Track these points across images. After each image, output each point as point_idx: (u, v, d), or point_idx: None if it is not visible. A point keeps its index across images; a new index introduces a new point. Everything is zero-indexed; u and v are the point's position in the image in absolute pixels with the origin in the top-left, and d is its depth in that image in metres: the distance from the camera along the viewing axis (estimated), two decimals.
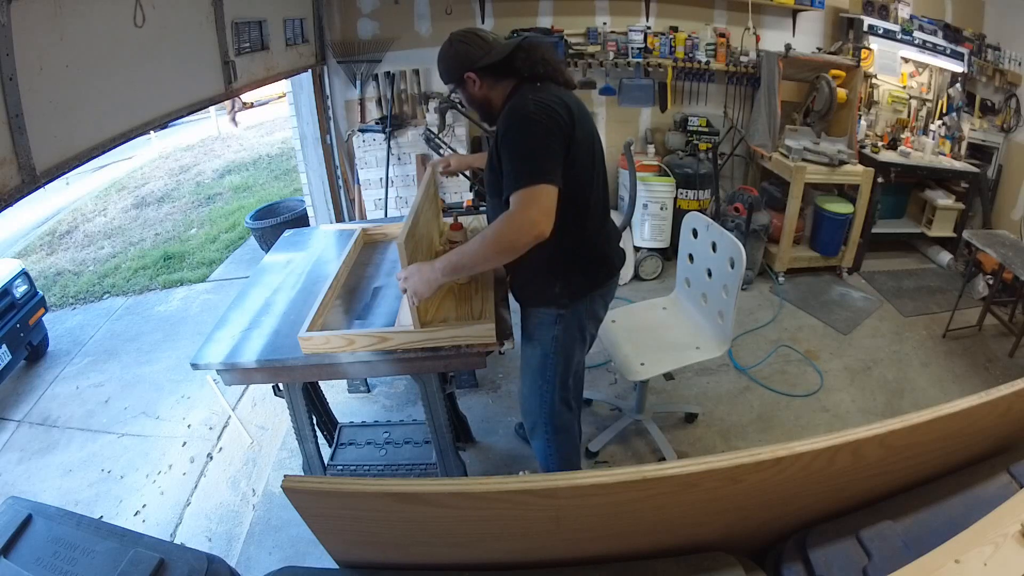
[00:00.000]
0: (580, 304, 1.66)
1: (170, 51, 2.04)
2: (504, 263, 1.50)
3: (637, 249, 3.72)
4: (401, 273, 1.48)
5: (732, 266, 1.96)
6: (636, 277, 3.69)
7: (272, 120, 10.07)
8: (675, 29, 3.66)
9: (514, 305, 1.76)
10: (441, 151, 3.31)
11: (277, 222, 4.31)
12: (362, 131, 3.61)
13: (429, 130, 3.32)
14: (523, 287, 1.70)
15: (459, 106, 3.17)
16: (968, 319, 3.14)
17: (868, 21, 3.67)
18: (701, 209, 3.59)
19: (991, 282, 3.16)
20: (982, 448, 1.22)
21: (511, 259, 1.41)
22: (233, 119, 9.66)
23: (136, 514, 2.30)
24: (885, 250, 3.91)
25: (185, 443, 2.66)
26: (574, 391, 1.83)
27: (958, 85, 3.81)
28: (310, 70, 3.42)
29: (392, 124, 3.55)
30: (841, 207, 3.52)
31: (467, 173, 3.38)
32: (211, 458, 2.57)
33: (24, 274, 3.31)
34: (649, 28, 3.65)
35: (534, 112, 1.39)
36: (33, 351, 3.34)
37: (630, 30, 3.63)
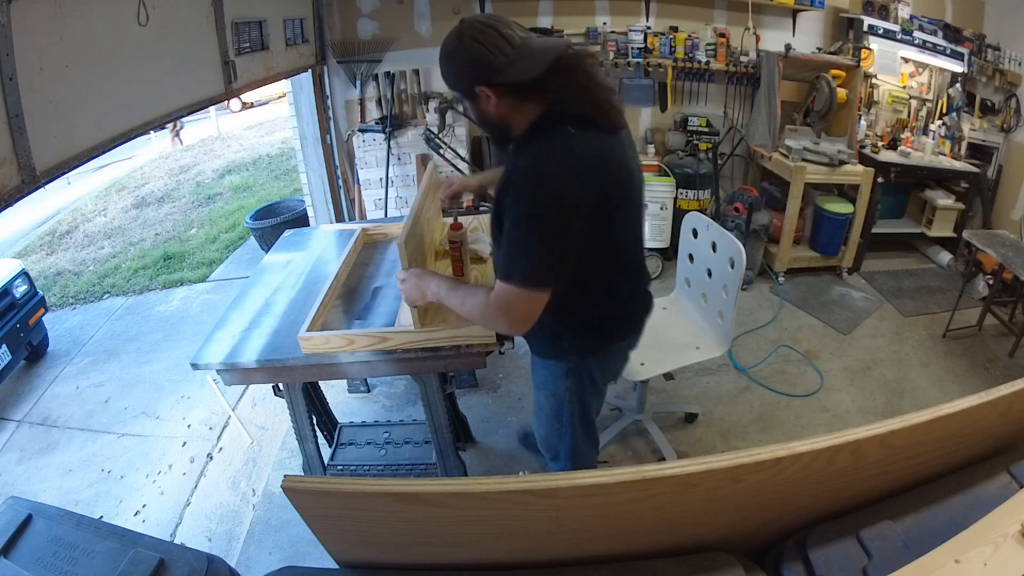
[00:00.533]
0: (591, 359, 1.47)
1: (170, 51, 2.04)
2: None
3: None
4: (401, 273, 1.47)
5: (732, 266, 1.95)
6: None
7: (272, 120, 10.10)
8: (675, 29, 3.66)
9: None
10: (441, 151, 3.31)
11: (277, 222, 4.31)
12: (362, 131, 3.61)
13: (429, 130, 3.32)
14: (530, 338, 1.49)
15: (465, 114, 3.16)
16: (968, 319, 3.14)
17: (868, 21, 3.67)
18: (701, 209, 3.59)
19: (991, 282, 3.16)
20: (982, 448, 1.22)
21: None
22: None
23: (136, 514, 2.30)
24: (885, 250, 3.91)
25: (185, 443, 2.66)
26: (592, 429, 1.66)
27: (958, 85, 3.81)
28: (310, 70, 3.42)
29: (392, 124, 3.55)
30: (841, 207, 3.52)
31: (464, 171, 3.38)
32: (211, 458, 2.57)
33: (24, 274, 3.31)
34: (649, 28, 3.65)
35: (560, 191, 1.11)
36: (33, 351, 3.34)
37: (630, 30, 3.63)
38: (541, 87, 1.14)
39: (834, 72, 3.51)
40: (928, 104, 3.96)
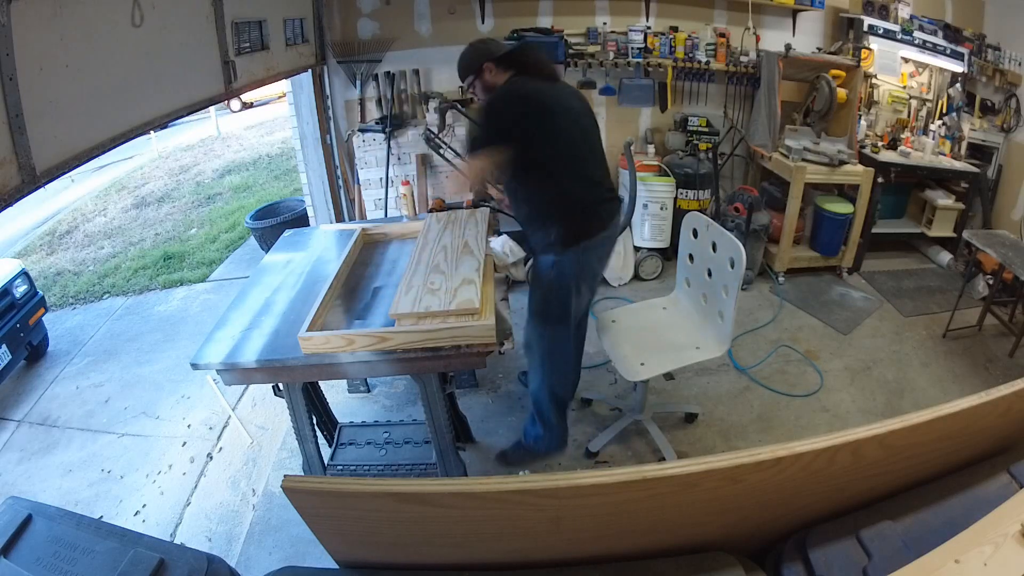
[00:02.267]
0: (572, 252, 1.94)
1: (170, 51, 2.04)
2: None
3: (637, 249, 3.71)
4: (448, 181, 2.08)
5: (732, 266, 1.95)
6: (636, 277, 3.69)
7: (272, 120, 10.09)
8: (675, 29, 3.66)
9: (515, 304, 1.77)
10: (441, 151, 3.30)
11: (277, 222, 4.31)
12: (362, 131, 3.61)
13: (429, 130, 3.31)
14: (531, 235, 2.04)
15: (458, 107, 3.17)
16: (968, 319, 3.13)
17: (868, 21, 3.67)
18: (701, 209, 3.59)
19: (991, 282, 3.16)
20: (982, 448, 1.22)
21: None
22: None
23: (136, 514, 2.30)
24: (885, 250, 3.91)
25: (185, 443, 2.66)
26: (578, 330, 2.20)
27: (958, 85, 3.81)
28: (310, 70, 3.42)
29: (392, 124, 3.54)
30: (841, 207, 3.51)
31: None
32: (211, 458, 2.57)
33: (24, 274, 3.31)
34: (649, 28, 3.64)
35: (498, 99, 1.88)
36: (33, 351, 3.34)
37: (630, 30, 3.63)
38: (511, 61, 1.94)
39: (834, 72, 3.51)
40: (928, 104, 3.96)
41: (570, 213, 1.93)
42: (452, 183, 2.74)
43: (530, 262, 2.27)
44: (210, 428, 2.74)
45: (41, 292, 3.47)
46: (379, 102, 3.67)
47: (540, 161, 1.86)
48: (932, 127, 3.88)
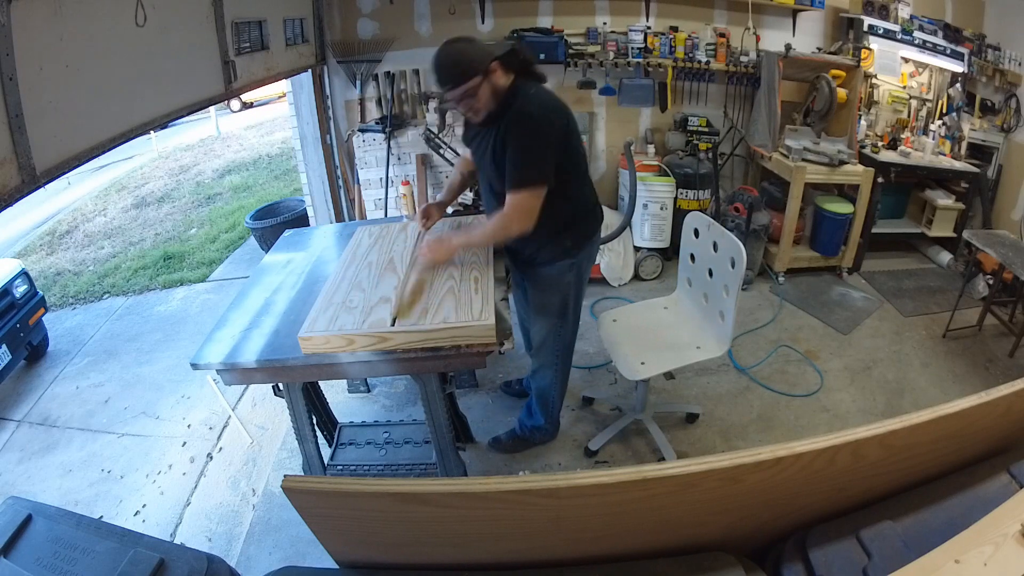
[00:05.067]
0: (586, 249, 2.00)
1: (170, 51, 2.04)
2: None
3: (637, 249, 3.72)
4: (424, 247, 1.82)
5: (733, 266, 1.95)
6: (636, 277, 3.69)
7: (272, 120, 10.09)
8: (675, 29, 3.66)
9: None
10: (441, 151, 3.31)
11: (277, 222, 4.31)
12: (362, 131, 3.61)
13: (429, 130, 3.32)
14: (540, 250, 1.95)
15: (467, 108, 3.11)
16: (968, 319, 3.13)
17: (868, 21, 3.67)
18: (701, 209, 3.58)
19: (991, 282, 3.16)
20: (982, 448, 1.22)
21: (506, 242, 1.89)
22: None
23: (136, 514, 2.30)
24: (885, 250, 3.91)
25: (185, 443, 2.66)
26: (578, 320, 2.20)
27: (958, 85, 3.81)
28: (310, 70, 3.42)
29: (392, 124, 3.54)
30: (841, 207, 3.51)
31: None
32: (211, 458, 2.57)
33: (24, 274, 3.31)
34: (649, 28, 3.64)
35: (543, 116, 1.70)
36: (33, 351, 3.34)
37: (630, 30, 3.62)
38: (514, 61, 1.76)
39: (834, 72, 3.51)
40: (928, 104, 3.96)
41: (584, 216, 1.99)
42: (491, 232, 1.79)
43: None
44: (210, 428, 2.74)
45: (41, 292, 3.47)
46: (379, 102, 3.67)
47: (568, 173, 1.80)
48: (932, 127, 3.88)
